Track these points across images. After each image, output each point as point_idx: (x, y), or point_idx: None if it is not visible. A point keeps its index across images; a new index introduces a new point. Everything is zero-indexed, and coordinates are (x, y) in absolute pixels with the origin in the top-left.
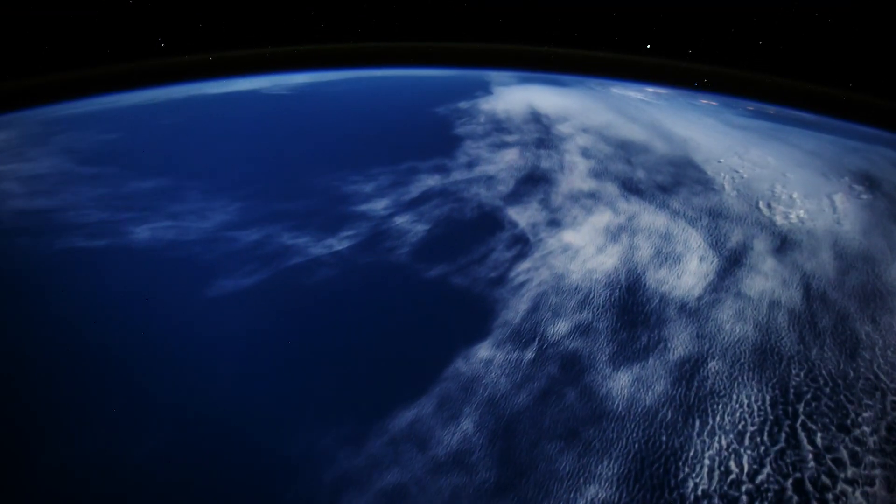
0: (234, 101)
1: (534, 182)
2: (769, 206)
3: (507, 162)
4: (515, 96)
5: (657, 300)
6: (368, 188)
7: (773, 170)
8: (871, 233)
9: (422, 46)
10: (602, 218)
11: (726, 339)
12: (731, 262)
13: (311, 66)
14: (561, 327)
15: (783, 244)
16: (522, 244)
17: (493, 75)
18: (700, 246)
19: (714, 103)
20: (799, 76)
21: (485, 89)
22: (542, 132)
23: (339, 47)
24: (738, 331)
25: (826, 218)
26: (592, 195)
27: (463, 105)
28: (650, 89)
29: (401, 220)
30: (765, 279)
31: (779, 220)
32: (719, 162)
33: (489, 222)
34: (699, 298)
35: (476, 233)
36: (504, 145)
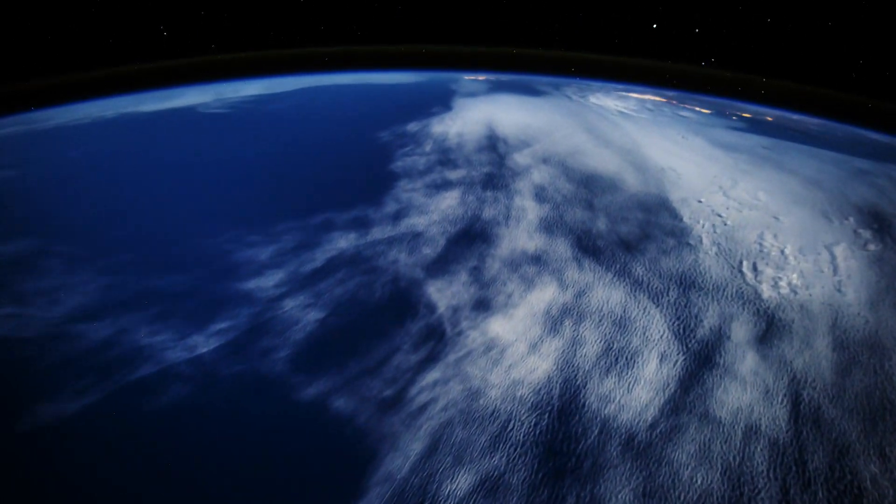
0: (163, 123)
1: (469, 241)
2: (755, 268)
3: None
4: (475, 113)
5: (596, 431)
6: (266, 254)
7: (764, 211)
8: (880, 305)
9: (393, 50)
10: (543, 295)
11: (682, 496)
12: (701, 362)
13: (271, 71)
14: (461, 482)
15: (769, 328)
16: (436, 340)
17: (464, 82)
18: (663, 336)
19: (706, 111)
20: (800, 78)
21: (445, 103)
22: (494, 165)
23: (304, 52)
24: (699, 482)
25: (825, 282)
26: (537, 259)
27: (412, 127)
28: (635, 94)
29: (292, 305)
30: (742, 389)
31: (765, 290)
32: (700, 202)
33: (401, 306)
34: (653, 426)
35: (381, 322)
36: (445, 186)
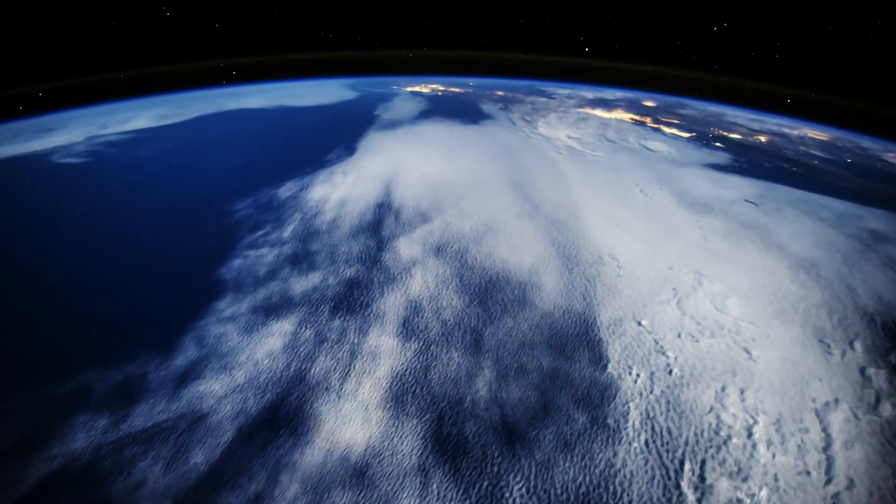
0: (2, 181)
1: (270, 432)
2: (702, 477)
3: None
4: (378, 162)
5: None
6: None
7: (733, 337)
8: None
9: (333, 56)
10: None
11: None
12: None
13: (212, 82)
14: None
15: None
16: None
17: (398, 100)
18: None
19: (684, 134)
20: (801, 82)
21: (352, 140)
22: (366, 261)
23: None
24: None
25: (812, 501)
26: (361, 475)
27: (285, 190)
28: (601, 112)
29: None
30: None
31: None
32: (640, 325)
33: None
34: None
35: None
36: (279, 309)
